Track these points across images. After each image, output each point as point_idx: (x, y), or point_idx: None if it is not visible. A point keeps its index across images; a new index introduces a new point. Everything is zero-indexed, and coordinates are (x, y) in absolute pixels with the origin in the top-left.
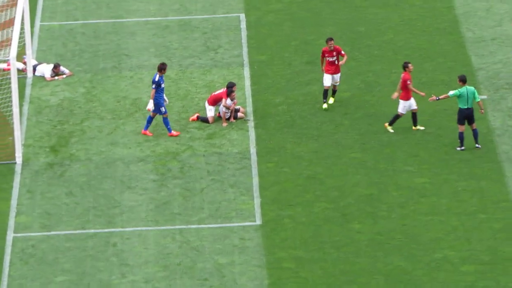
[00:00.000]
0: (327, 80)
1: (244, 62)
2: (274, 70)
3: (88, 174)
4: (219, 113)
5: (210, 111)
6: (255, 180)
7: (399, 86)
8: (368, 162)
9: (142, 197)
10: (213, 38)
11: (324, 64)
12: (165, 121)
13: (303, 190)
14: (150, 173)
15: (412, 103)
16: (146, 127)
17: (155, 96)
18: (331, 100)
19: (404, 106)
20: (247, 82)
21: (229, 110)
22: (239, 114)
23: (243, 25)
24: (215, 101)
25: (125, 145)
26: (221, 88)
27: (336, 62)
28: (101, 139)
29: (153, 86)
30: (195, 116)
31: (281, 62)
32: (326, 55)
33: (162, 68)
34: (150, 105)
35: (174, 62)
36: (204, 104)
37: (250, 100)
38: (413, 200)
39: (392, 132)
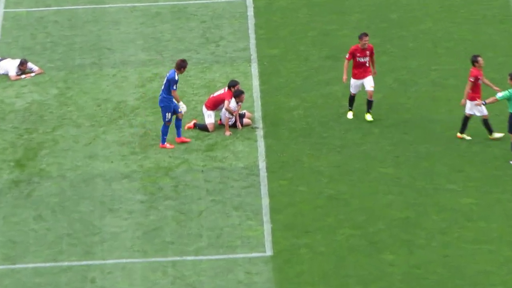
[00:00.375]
0: (356, 86)
1: (252, 57)
2: (288, 66)
3: (61, 193)
4: (220, 119)
5: (210, 117)
6: (265, 201)
7: (468, 87)
8: (402, 178)
9: (127, 222)
10: (213, 28)
11: (350, 67)
12: (164, 130)
13: (323, 213)
14: (137, 192)
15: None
16: (179, 133)
17: (164, 98)
18: (369, 117)
19: (476, 107)
20: (255, 82)
21: (233, 116)
22: (245, 120)
23: (250, 11)
24: (215, 105)
25: (106, 158)
26: (221, 89)
27: (367, 64)
28: (77, 151)
29: (174, 86)
30: (191, 123)
31: (296, 57)
32: (358, 55)
33: (182, 66)
34: (184, 108)
35: (166, 58)
36: (202, 108)
37: (259, 103)
38: (458, 225)
39: (470, 139)
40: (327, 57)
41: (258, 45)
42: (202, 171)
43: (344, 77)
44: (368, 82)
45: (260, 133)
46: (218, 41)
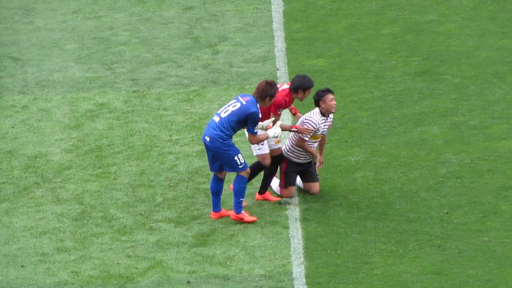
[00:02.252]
0: None
1: (279, 73)
2: (346, 90)
3: None
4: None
5: (260, 145)
6: None
7: None
8: None
9: None
10: (208, 20)
11: None
12: (241, 186)
13: None
14: None
15: None
16: (216, 207)
17: (223, 138)
18: None
19: None
20: (287, 122)
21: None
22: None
23: None
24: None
25: (12, 259)
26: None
27: None
28: None
29: (255, 129)
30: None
31: (361, 72)
32: None
33: (269, 94)
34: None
35: (120, 74)
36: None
37: None
38: None
39: None
40: (419, 73)
41: (290, 51)
42: (189, 282)
43: None
44: None
45: (294, 212)
46: (216, 43)
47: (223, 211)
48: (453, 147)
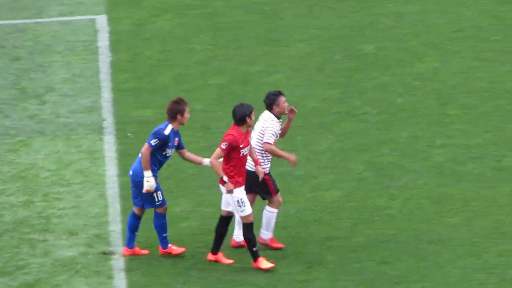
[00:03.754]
0: None
1: (105, 124)
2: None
3: None
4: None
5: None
6: None
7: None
8: None
9: None
10: (35, 70)
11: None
12: (161, 222)
13: None
14: None
15: None
16: (131, 243)
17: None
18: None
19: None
20: (111, 170)
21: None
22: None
23: (104, 40)
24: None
25: None
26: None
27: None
28: None
29: (153, 142)
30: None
31: (189, 121)
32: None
33: (178, 110)
34: (151, 183)
35: None
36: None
37: (118, 208)
38: None
39: None
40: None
41: (117, 101)
42: None
43: None
44: None
45: (119, 262)
46: (43, 94)
47: (137, 249)
48: None
